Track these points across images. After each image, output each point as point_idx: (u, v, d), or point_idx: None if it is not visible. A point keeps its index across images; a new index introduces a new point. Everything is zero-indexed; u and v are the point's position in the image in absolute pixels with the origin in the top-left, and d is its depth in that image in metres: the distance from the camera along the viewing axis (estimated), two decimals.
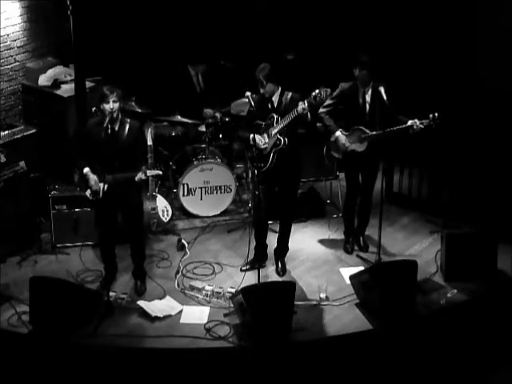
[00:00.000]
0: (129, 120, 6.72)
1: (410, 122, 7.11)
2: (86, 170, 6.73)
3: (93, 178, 6.70)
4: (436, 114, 7.05)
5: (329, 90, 6.72)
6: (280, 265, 7.41)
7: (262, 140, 6.96)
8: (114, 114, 6.58)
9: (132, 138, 6.67)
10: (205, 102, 8.90)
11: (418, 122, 7.08)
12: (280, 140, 6.93)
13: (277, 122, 6.93)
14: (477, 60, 8.48)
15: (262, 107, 6.98)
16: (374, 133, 7.18)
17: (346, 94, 7.27)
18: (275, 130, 6.93)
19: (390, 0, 8.89)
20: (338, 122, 7.35)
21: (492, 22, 8.35)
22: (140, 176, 6.60)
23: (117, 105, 6.57)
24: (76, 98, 8.15)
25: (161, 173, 6.85)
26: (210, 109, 8.77)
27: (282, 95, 6.97)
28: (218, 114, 8.66)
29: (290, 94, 6.97)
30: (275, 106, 6.98)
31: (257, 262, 7.21)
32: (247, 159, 7.30)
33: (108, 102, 6.53)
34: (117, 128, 6.63)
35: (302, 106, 6.69)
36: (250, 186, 8.51)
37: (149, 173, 6.66)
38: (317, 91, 6.67)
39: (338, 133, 7.32)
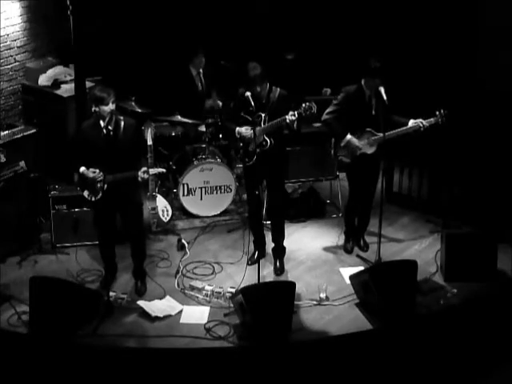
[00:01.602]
0: (122, 118, 6.72)
1: (411, 122, 7.12)
2: (82, 169, 6.73)
3: (89, 172, 6.67)
4: (442, 111, 7.06)
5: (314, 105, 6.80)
6: (278, 264, 7.41)
7: (246, 131, 6.95)
8: (113, 115, 6.59)
9: (129, 135, 6.67)
10: (206, 98, 8.91)
11: (424, 122, 7.09)
12: (266, 141, 6.98)
13: (264, 122, 6.95)
14: (476, 61, 8.49)
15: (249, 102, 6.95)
16: (385, 134, 7.14)
17: (352, 98, 7.22)
18: (261, 131, 6.95)
19: (390, 1, 8.90)
20: (346, 127, 7.30)
21: (492, 23, 8.36)
22: (143, 175, 6.60)
23: (114, 105, 6.57)
24: (76, 98, 8.16)
25: (164, 170, 6.87)
26: (211, 100, 8.79)
27: (270, 91, 6.97)
28: (219, 102, 8.69)
29: (277, 91, 6.97)
30: (263, 101, 6.96)
31: (257, 253, 7.34)
32: (233, 149, 7.33)
33: (107, 104, 6.53)
34: (112, 128, 6.62)
35: (292, 117, 6.73)
36: None
37: (151, 171, 6.66)
38: (308, 104, 6.71)
39: (349, 136, 7.25)
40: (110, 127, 6.60)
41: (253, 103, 6.85)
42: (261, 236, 7.53)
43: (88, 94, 7.62)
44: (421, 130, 7.16)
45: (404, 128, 7.16)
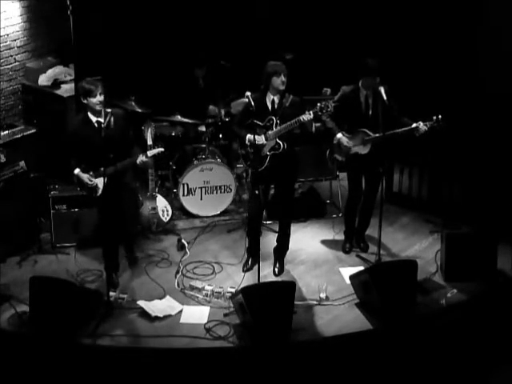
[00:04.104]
0: (110, 110, 6.76)
1: (414, 125, 7.10)
2: (77, 171, 6.76)
3: (85, 176, 6.73)
4: (439, 116, 7.03)
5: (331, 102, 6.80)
6: (278, 265, 7.39)
7: (259, 139, 6.94)
8: (102, 107, 6.61)
9: (119, 126, 6.72)
10: (207, 100, 8.91)
11: (421, 124, 7.07)
12: (279, 144, 6.94)
13: (276, 125, 6.92)
14: (478, 62, 8.50)
15: (261, 106, 6.95)
16: (377, 135, 7.16)
17: (348, 97, 7.25)
18: (275, 134, 6.92)
19: (390, 3, 8.90)
20: (341, 126, 7.34)
21: (493, 25, 8.36)
22: (141, 158, 6.63)
23: (103, 97, 6.59)
24: (76, 98, 8.15)
25: (162, 149, 6.81)
26: (214, 106, 8.79)
27: (283, 97, 6.96)
28: (222, 111, 8.68)
29: (290, 97, 6.96)
30: (275, 107, 6.96)
31: (252, 260, 7.33)
32: (241, 157, 7.30)
33: (95, 96, 6.55)
34: (103, 120, 6.65)
35: (308, 116, 6.71)
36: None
37: (149, 153, 6.65)
38: (324, 103, 6.71)
39: (339, 134, 7.30)
40: (99, 120, 6.63)
41: (253, 103, 6.84)
42: (256, 243, 7.38)
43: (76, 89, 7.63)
44: (416, 134, 7.13)
45: (399, 130, 7.13)
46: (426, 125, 7.07)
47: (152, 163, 7.27)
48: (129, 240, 7.37)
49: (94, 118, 6.64)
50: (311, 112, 6.75)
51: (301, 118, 6.76)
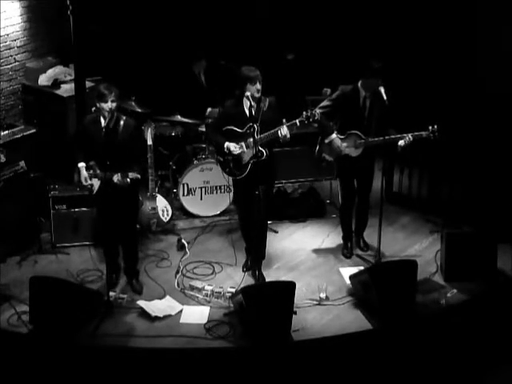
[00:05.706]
0: (124, 117, 6.73)
1: (401, 142, 7.05)
2: (81, 165, 6.77)
3: (83, 174, 6.74)
4: (435, 127, 7.01)
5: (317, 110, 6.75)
6: (257, 273, 7.17)
7: (237, 148, 6.88)
8: (114, 113, 6.60)
9: (126, 135, 6.67)
10: (208, 100, 8.90)
11: (410, 136, 7.01)
12: (262, 152, 6.79)
13: (257, 132, 6.76)
14: (477, 62, 8.51)
15: (238, 113, 6.87)
16: (370, 139, 7.14)
17: (347, 97, 7.18)
18: (255, 143, 6.76)
19: (389, 5, 8.91)
20: (333, 125, 7.29)
21: (492, 26, 8.37)
22: (117, 176, 6.56)
23: (115, 104, 6.59)
24: (76, 98, 8.17)
25: (139, 176, 6.67)
26: (213, 108, 8.79)
27: (259, 101, 6.83)
28: None
29: (267, 100, 6.84)
30: (253, 112, 6.80)
31: (252, 262, 7.28)
32: (218, 164, 7.26)
33: (106, 102, 6.55)
34: (111, 125, 6.65)
35: (285, 132, 6.61)
36: None
37: (131, 175, 6.57)
38: (309, 111, 6.63)
39: (333, 135, 7.23)
40: (109, 124, 6.62)
41: (253, 103, 6.78)
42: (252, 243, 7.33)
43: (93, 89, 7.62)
44: (399, 145, 7.06)
45: (393, 136, 7.08)
46: (419, 135, 7.01)
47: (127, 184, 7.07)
48: (127, 245, 7.13)
49: (103, 121, 6.64)
50: (297, 121, 6.65)
51: (281, 129, 6.64)
